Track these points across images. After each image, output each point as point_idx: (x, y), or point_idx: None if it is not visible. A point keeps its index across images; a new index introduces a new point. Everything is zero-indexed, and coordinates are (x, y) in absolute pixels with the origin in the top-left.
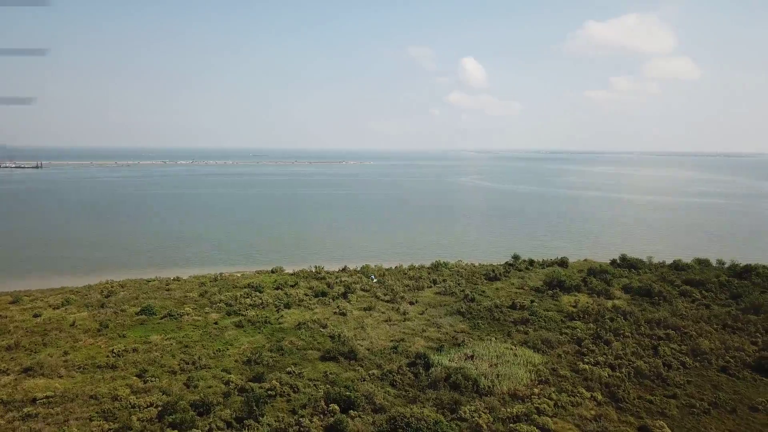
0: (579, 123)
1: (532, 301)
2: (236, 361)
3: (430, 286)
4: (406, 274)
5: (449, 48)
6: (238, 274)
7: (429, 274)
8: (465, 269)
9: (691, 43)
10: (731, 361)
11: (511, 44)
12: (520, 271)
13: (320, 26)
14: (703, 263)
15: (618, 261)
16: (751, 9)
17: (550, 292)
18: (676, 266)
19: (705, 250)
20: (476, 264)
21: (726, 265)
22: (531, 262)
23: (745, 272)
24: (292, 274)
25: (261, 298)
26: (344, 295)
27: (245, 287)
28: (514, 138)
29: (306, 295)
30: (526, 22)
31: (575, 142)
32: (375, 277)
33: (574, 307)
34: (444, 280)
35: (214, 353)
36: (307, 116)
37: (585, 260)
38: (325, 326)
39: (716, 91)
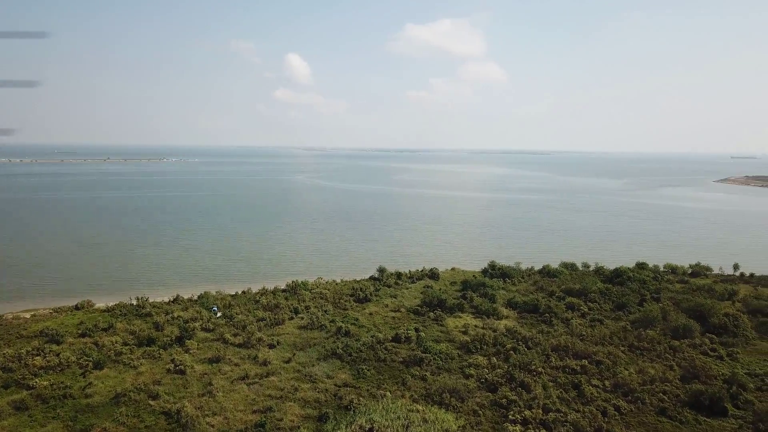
0: (402, 122)
1: (416, 330)
2: None
3: (292, 318)
4: (258, 301)
5: (273, 43)
6: (27, 315)
7: (287, 299)
8: (328, 290)
9: (499, 49)
10: (664, 398)
11: (336, 43)
12: (389, 287)
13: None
14: (570, 267)
15: (489, 270)
16: (543, 20)
17: (431, 314)
18: (547, 273)
19: (558, 251)
20: (338, 281)
21: (591, 269)
22: (399, 276)
23: (615, 276)
24: (105, 311)
25: (59, 355)
26: (180, 341)
27: (36, 336)
28: (341, 136)
29: (126, 344)
30: (349, 22)
31: (399, 140)
32: (218, 309)
33: (465, 333)
34: (307, 308)
35: None
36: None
37: (453, 269)
38: (155, 396)
39: (520, 93)
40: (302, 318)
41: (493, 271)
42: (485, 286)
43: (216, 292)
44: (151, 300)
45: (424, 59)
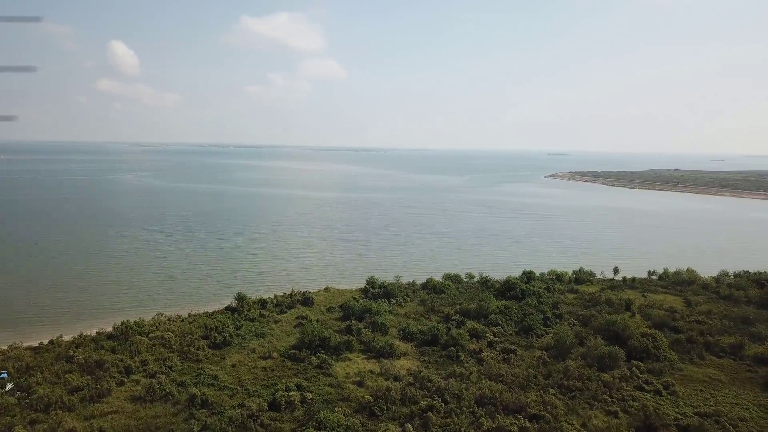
0: (240, 117)
1: (299, 387)
2: None
3: (122, 382)
4: (71, 359)
5: (94, 29)
6: None
7: (114, 351)
8: (172, 331)
9: (338, 45)
10: None
11: (167, 33)
12: (253, 321)
13: None
14: (455, 280)
15: (369, 288)
16: (381, 16)
17: (313, 359)
18: (433, 288)
19: (433, 257)
20: (185, 316)
21: (476, 279)
22: (263, 304)
23: (507, 290)
24: None
25: None
26: None
27: None
28: (173, 130)
29: None
30: (180, 11)
31: (237, 136)
32: (9, 376)
33: (361, 384)
34: (144, 363)
35: None
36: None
37: (326, 289)
38: None
39: (358, 90)
40: (137, 382)
41: (374, 289)
42: (371, 312)
43: (8, 347)
44: None
45: (262, 53)
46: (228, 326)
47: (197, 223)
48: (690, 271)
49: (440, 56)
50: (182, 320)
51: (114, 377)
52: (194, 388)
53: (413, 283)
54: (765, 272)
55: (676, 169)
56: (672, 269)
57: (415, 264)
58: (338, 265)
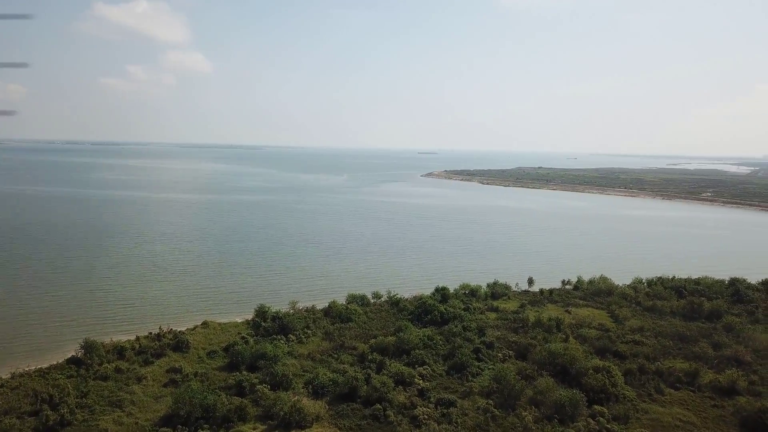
0: (97, 112)
1: None
2: None
3: None
4: None
5: None
6: None
7: None
8: None
9: (204, 37)
10: None
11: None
12: (105, 380)
13: None
14: (361, 302)
15: (261, 321)
16: (253, 8)
17: None
18: (338, 315)
19: (331, 274)
20: (5, 377)
21: (384, 299)
22: (120, 352)
23: (423, 313)
24: None
25: None
26: None
27: None
28: (19, 126)
29: None
30: None
31: (95, 132)
32: None
33: None
34: None
35: None
36: None
37: (205, 325)
38: None
39: (226, 86)
40: None
41: (266, 323)
42: (266, 358)
43: None
44: None
45: (120, 44)
46: (68, 393)
47: (36, 237)
48: (604, 279)
49: (313, 55)
50: (1, 386)
51: None
52: None
53: (313, 310)
54: (677, 278)
55: (540, 167)
56: (584, 276)
57: (311, 283)
58: (217, 290)
